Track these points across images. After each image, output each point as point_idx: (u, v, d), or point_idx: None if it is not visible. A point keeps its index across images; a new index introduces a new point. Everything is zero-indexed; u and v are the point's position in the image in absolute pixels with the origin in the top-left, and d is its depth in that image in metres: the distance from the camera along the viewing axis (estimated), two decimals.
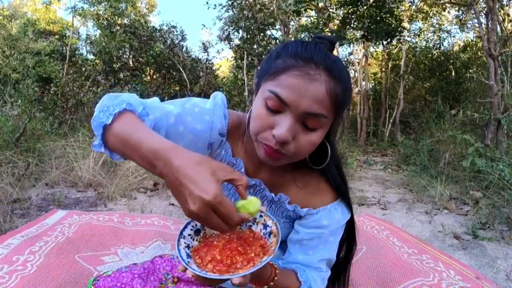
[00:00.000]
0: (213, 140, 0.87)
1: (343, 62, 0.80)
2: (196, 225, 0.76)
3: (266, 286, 0.78)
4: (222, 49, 17.92)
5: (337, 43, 9.23)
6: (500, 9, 7.26)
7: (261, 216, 0.75)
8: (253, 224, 0.76)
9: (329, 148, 0.84)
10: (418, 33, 11.35)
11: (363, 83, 11.92)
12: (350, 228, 0.99)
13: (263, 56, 8.93)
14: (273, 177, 0.91)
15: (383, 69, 12.66)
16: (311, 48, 0.74)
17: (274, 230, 0.71)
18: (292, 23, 9.22)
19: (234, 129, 0.91)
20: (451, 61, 10.52)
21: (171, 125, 0.81)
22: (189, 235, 0.73)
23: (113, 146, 0.71)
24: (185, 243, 0.71)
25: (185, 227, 0.74)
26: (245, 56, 8.81)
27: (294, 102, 0.71)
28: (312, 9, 8.27)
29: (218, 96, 0.90)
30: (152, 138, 0.66)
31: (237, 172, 0.65)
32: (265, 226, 0.74)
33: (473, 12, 6.50)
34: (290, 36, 8.35)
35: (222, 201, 0.58)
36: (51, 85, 7.81)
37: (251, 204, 0.66)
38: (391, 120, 10.75)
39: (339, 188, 0.92)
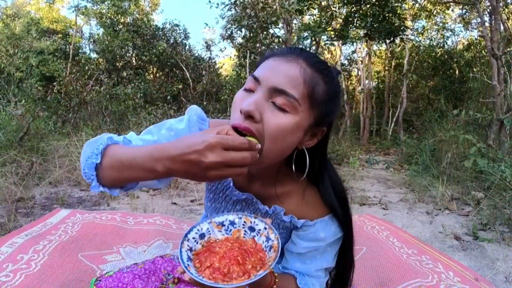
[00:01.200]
0: None
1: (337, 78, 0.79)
2: (201, 229, 0.77)
3: None
4: (225, 48, 17.84)
5: (340, 42, 9.21)
6: (504, 8, 7.23)
7: (265, 228, 0.76)
8: (257, 235, 0.76)
9: (307, 156, 0.80)
10: (422, 31, 11.29)
11: (366, 81, 11.90)
12: (347, 246, 0.94)
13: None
14: (265, 190, 0.89)
15: (386, 67, 12.63)
16: (296, 47, 0.78)
17: (275, 245, 0.71)
18: (295, 21, 9.22)
19: None
20: (455, 59, 10.48)
21: None
22: (193, 238, 0.74)
23: (110, 179, 0.73)
24: (188, 245, 0.72)
25: (191, 229, 0.75)
26: (248, 55, 8.82)
27: (264, 77, 0.72)
28: (314, 8, 8.24)
29: (192, 112, 0.90)
30: (141, 149, 0.68)
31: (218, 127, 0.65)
32: (268, 239, 0.74)
33: (476, 10, 6.47)
34: (293, 34, 8.35)
35: (224, 136, 0.61)
36: (55, 84, 7.86)
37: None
38: (394, 119, 10.74)
39: (332, 206, 0.88)
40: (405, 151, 6.26)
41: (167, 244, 2.00)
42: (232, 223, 0.79)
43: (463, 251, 2.22)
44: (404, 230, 2.52)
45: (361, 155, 6.91)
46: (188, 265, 0.66)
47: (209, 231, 0.77)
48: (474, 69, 8.84)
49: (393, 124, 10.79)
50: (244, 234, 0.77)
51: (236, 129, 0.69)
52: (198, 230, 0.76)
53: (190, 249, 0.72)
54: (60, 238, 1.90)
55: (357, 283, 1.63)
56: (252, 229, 0.78)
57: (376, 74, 13.78)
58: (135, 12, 11.53)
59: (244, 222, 0.79)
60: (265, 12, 7.91)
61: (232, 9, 8.65)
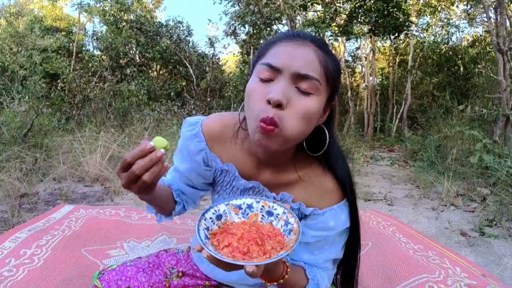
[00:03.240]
0: (201, 160, 0.91)
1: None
2: (218, 210, 0.76)
3: (276, 283, 0.76)
4: (229, 44, 17.87)
5: (344, 38, 9.15)
6: (509, 3, 7.14)
7: (284, 212, 0.75)
8: (275, 219, 0.75)
9: (327, 133, 0.82)
10: (426, 27, 11.18)
11: (370, 78, 11.82)
12: (354, 229, 0.93)
13: None
14: (274, 177, 0.88)
15: (390, 64, 12.52)
16: (297, 31, 0.80)
17: (296, 228, 0.69)
18: (298, 17, 9.15)
19: (216, 135, 0.90)
20: (460, 56, 10.38)
21: (184, 177, 0.96)
22: (210, 218, 0.73)
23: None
24: (205, 224, 0.70)
25: (208, 209, 0.74)
26: (252, 51, 8.79)
27: (285, 65, 0.72)
28: (318, 3, 8.17)
29: (185, 127, 0.93)
30: None
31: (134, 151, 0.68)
32: (287, 223, 0.72)
33: (481, 6, 6.40)
34: (297, 30, 8.29)
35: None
36: (58, 81, 7.86)
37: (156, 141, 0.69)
38: (398, 116, 10.67)
39: (345, 184, 0.88)
40: (409, 147, 6.22)
41: (171, 239, 1.99)
42: (250, 206, 0.78)
43: (469, 247, 2.20)
44: (410, 225, 2.50)
45: (365, 151, 6.86)
46: (206, 242, 0.64)
47: (226, 213, 0.76)
48: (479, 65, 8.75)
49: (397, 120, 10.71)
50: (262, 218, 0.76)
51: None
52: (215, 210, 0.75)
53: (207, 228, 0.70)
54: (63, 233, 1.90)
55: (363, 278, 1.62)
56: (270, 213, 0.76)
57: (380, 70, 13.69)
58: (138, 9, 11.51)
59: (262, 206, 0.77)
60: (268, 8, 7.87)
61: (235, 5, 8.62)
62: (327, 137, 0.82)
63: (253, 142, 0.75)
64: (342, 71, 0.87)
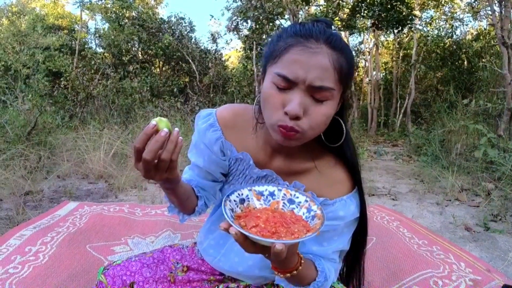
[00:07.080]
0: (219, 149, 0.92)
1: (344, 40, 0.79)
2: (241, 194, 0.76)
3: (288, 274, 0.75)
4: (231, 40, 17.81)
5: (347, 32, 9.11)
6: None
7: (306, 201, 0.76)
8: (297, 207, 0.76)
9: (343, 124, 0.84)
10: (430, 21, 11.09)
11: (374, 72, 11.77)
12: (362, 219, 0.94)
13: None
14: (287, 165, 0.90)
15: (394, 58, 12.44)
16: (309, 26, 0.76)
17: (319, 213, 0.71)
18: (301, 12, 9.11)
19: (230, 123, 0.92)
20: (464, 50, 10.29)
21: (204, 172, 0.96)
22: (234, 200, 0.74)
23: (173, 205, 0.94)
24: (230, 205, 0.71)
25: (232, 192, 0.75)
26: (254, 47, 8.76)
27: (300, 78, 0.72)
28: None
29: (200, 120, 0.94)
30: None
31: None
32: (309, 210, 0.74)
33: None
34: None
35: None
36: (61, 79, 7.89)
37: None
38: (402, 110, 10.62)
39: (354, 175, 0.89)
40: (413, 142, 6.20)
41: (175, 235, 2.00)
42: (272, 194, 0.79)
43: (474, 242, 2.19)
44: (414, 220, 2.49)
45: (369, 146, 6.85)
46: (232, 221, 0.64)
47: (248, 198, 0.77)
48: (484, 59, 8.68)
49: (401, 115, 10.67)
50: (283, 206, 0.77)
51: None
52: (239, 194, 0.76)
53: (231, 210, 0.70)
54: (68, 230, 1.91)
55: (368, 273, 1.61)
56: (291, 201, 0.77)
57: (383, 65, 13.62)
58: (140, 6, 11.48)
59: (284, 194, 0.78)
60: (271, 3, 7.84)
61: (237, 0, 8.59)
62: (344, 129, 0.84)
63: (274, 139, 0.79)
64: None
